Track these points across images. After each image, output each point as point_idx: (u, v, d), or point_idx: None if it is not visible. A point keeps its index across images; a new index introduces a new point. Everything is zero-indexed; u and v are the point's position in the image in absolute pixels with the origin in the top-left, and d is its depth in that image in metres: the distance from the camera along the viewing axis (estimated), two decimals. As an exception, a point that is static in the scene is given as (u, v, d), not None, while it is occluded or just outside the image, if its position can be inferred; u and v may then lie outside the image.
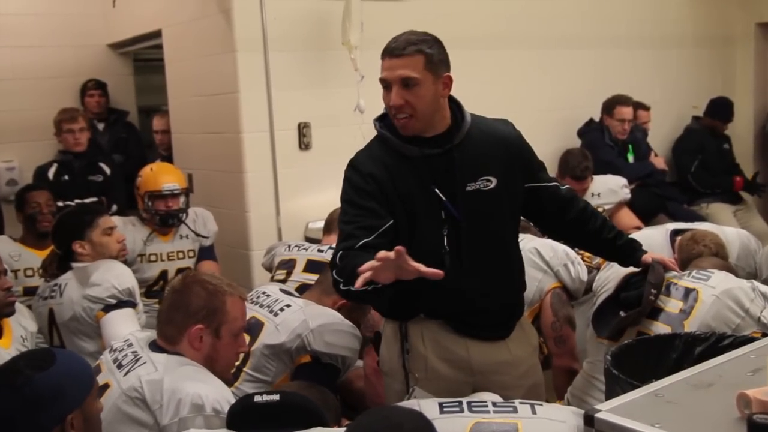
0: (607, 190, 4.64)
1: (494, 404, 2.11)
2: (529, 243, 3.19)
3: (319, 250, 3.52)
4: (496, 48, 4.93)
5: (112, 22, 5.46)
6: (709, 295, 2.51)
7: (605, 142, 5.24)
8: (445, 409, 2.07)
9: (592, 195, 4.55)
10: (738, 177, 5.86)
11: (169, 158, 4.91)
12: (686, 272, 2.69)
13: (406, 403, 2.14)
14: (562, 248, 3.23)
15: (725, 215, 5.55)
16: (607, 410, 1.57)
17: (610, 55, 5.58)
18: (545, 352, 3.21)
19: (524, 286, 2.57)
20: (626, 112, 5.24)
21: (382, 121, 2.39)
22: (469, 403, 2.11)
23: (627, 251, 2.68)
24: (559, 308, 3.19)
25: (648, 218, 4.91)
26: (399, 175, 2.30)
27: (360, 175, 2.30)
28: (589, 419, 1.57)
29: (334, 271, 2.20)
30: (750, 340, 2.12)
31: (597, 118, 5.35)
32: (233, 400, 2.10)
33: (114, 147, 5.37)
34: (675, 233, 3.20)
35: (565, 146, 4.98)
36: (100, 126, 5.42)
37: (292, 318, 2.75)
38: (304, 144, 4.27)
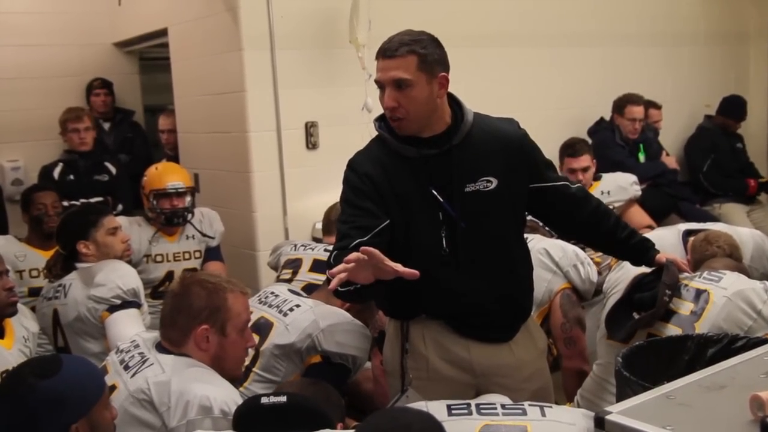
0: (617, 187, 4.58)
1: (503, 406, 2.09)
2: (539, 243, 3.17)
3: (325, 250, 3.50)
4: (506, 46, 4.91)
5: (117, 20, 5.45)
6: (721, 297, 2.47)
7: (616, 141, 5.20)
8: (453, 411, 2.05)
9: (602, 193, 4.49)
10: (752, 180, 5.80)
11: (175, 158, 4.90)
12: (697, 273, 2.65)
13: (414, 405, 2.11)
14: (571, 249, 3.20)
15: (739, 215, 5.50)
16: (617, 412, 1.55)
17: (621, 52, 5.54)
18: (555, 353, 3.19)
19: (531, 288, 2.52)
20: (637, 111, 5.19)
21: (381, 121, 2.36)
22: (477, 405, 2.09)
23: (640, 250, 2.62)
24: (568, 309, 3.16)
25: (660, 218, 4.86)
26: (396, 175, 2.27)
27: (356, 175, 2.29)
28: (600, 421, 1.54)
29: (328, 271, 2.17)
30: (763, 341, 2.09)
31: (607, 117, 5.31)
32: (241, 402, 2.09)
33: (120, 146, 5.37)
34: (688, 234, 3.16)
35: (574, 145, 4.94)
36: (106, 125, 5.42)
37: (302, 318, 2.75)
38: (311, 143, 4.25)
